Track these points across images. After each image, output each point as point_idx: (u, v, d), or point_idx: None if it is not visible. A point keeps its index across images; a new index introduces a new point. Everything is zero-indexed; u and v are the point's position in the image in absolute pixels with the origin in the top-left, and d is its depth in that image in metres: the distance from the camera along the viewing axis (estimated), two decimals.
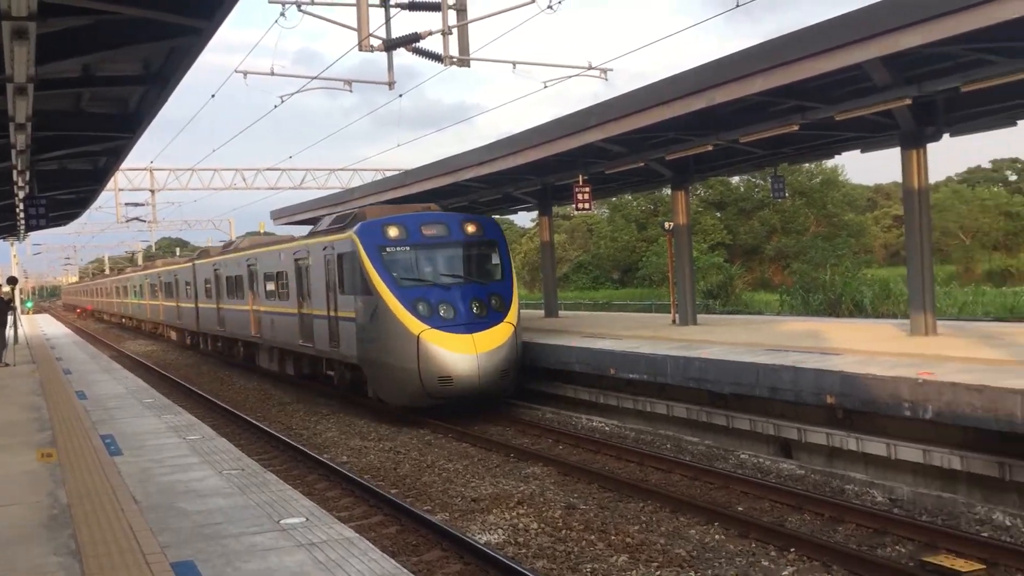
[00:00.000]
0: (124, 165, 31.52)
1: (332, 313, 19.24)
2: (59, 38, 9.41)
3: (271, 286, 24.15)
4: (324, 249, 19.64)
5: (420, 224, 17.88)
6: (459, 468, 13.59)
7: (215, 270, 31.03)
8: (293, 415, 19.84)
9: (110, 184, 37.38)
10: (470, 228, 18.12)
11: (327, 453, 15.22)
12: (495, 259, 18.26)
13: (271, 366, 25.63)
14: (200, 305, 33.77)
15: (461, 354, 16.20)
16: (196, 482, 9.00)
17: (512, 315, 17.30)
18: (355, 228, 17.98)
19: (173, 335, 42.85)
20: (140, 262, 73.73)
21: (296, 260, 21.80)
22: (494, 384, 16.66)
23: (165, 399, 16.30)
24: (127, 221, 51.19)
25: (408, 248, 17.53)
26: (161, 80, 11.97)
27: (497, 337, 16.70)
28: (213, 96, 22.81)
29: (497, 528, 10.44)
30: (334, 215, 21.88)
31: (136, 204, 48.30)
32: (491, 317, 17.02)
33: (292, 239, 22.96)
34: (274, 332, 24.11)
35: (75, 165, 19.80)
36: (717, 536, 9.87)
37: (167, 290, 41.48)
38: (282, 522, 7.40)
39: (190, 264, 35.72)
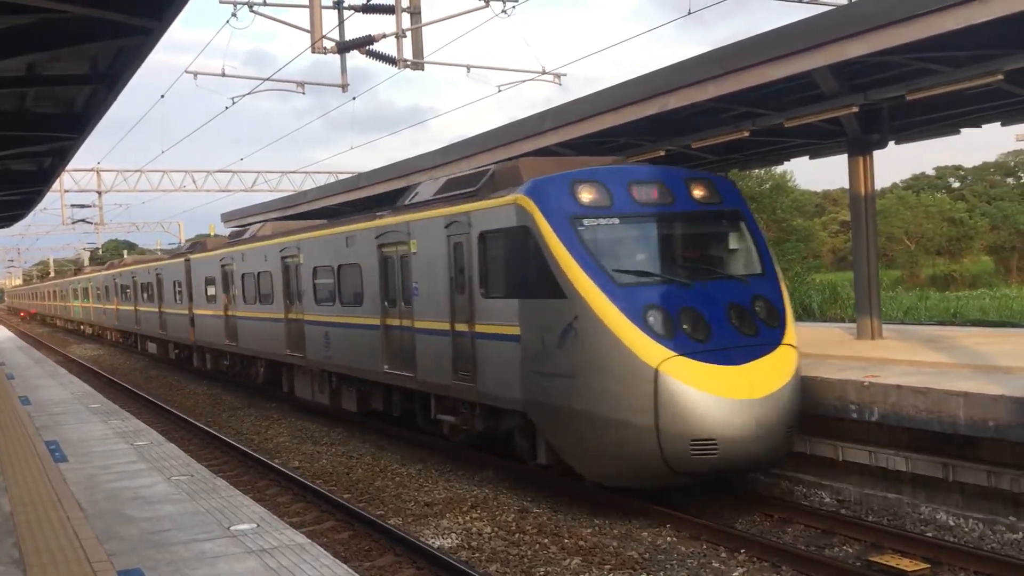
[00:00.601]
0: (70, 166, 30.99)
1: (462, 327, 12.61)
2: (2, 36, 9.21)
3: (326, 286, 17.58)
4: (447, 227, 12.84)
5: (628, 183, 11.33)
6: (413, 472, 13.54)
7: (223, 266, 23.91)
8: (244, 420, 19.63)
9: (55, 185, 36.61)
10: (700, 190, 11.66)
11: (278, 458, 15.08)
12: (744, 240, 11.72)
13: (318, 397, 18.65)
14: (196, 312, 26.80)
15: (730, 399, 9.84)
16: (144, 489, 8.87)
17: (790, 332, 10.95)
18: (524, 188, 11.37)
19: (152, 347, 34.68)
20: (87, 263, 72.27)
21: (382, 247, 14.97)
22: (776, 449, 10.33)
23: (112, 404, 16.04)
24: (73, 223, 50.35)
25: (617, 221, 10.99)
26: (109, 80, 11.77)
27: (779, 370, 10.39)
28: (163, 97, 22.72)
29: (451, 532, 10.43)
30: (445, 178, 14.65)
31: (82, 206, 47.48)
32: (763, 336, 10.68)
33: (373, 217, 15.78)
34: (331, 351, 17.31)
35: (19, 166, 19.37)
36: (669, 538, 9.95)
37: (145, 292, 34.18)
38: (232, 528, 7.32)
39: (182, 260, 28.47)
